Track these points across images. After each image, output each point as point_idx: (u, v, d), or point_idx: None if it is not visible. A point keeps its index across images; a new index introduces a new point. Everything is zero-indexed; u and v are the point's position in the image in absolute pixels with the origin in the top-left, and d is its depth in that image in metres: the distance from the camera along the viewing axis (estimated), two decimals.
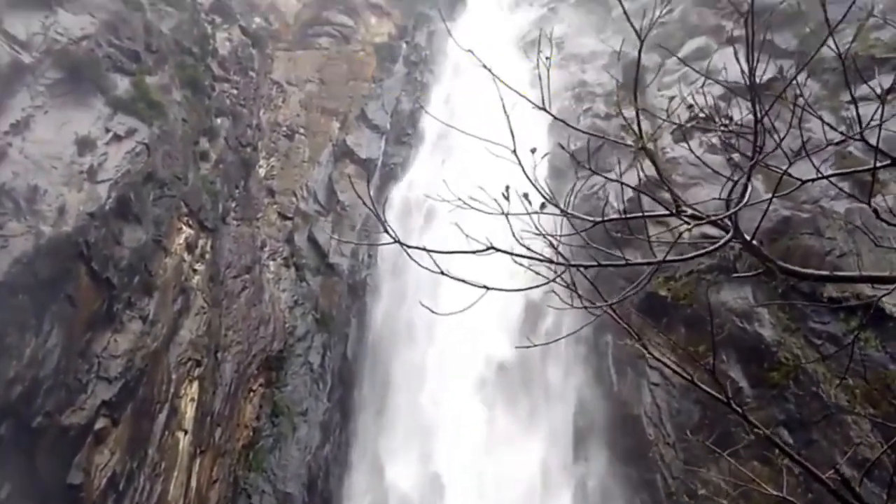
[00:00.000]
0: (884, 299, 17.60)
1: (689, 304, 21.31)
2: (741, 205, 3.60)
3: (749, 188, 3.69)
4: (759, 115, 3.44)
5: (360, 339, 29.45)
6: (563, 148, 4.46)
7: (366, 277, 30.81)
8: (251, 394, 27.43)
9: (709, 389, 5.10)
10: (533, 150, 3.93)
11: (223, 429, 25.29)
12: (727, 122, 3.92)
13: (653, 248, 4.51)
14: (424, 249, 3.96)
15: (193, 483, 23.35)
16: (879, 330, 17.63)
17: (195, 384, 24.52)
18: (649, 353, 5.55)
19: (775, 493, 5.39)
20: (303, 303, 30.89)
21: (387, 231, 3.88)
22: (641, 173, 4.70)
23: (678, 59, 25.74)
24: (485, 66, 4.40)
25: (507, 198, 3.77)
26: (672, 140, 25.75)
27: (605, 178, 5.08)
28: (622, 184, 4.28)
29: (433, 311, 5.06)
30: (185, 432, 23.55)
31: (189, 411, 23.98)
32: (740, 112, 3.70)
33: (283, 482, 25.80)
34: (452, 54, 38.28)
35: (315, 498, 25.91)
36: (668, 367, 5.51)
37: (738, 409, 5.06)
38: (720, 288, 21.48)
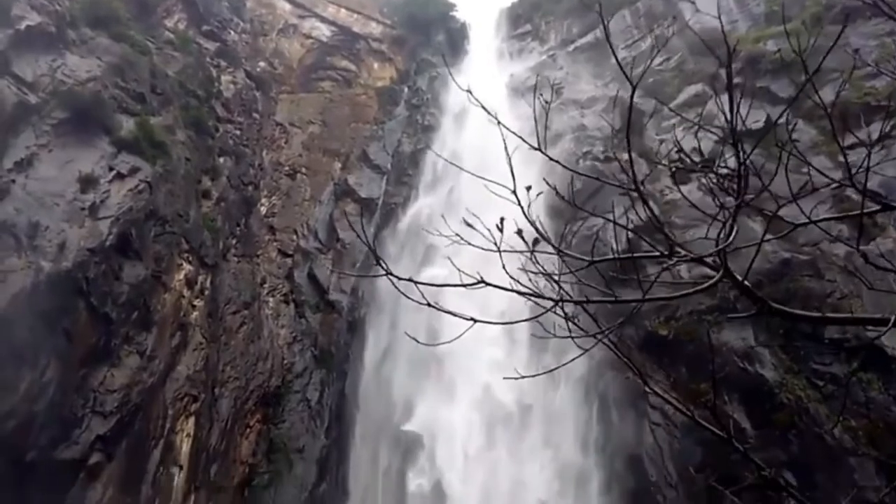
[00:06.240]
0: (885, 341, 17.54)
1: (690, 339, 21.29)
2: (726, 243, 3.67)
3: (735, 228, 3.76)
4: (741, 158, 3.54)
5: (358, 376, 29.31)
6: (556, 192, 4.54)
7: (365, 315, 30.79)
8: (248, 430, 27.17)
9: (710, 427, 5.05)
10: (528, 188, 4.00)
11: (219, 465, 24.98)
12: (711, 164, 4.02)
13: (643, 287, 4.55)
14: (413, 282, 3.99)
15: None
16: (882, 372, 17.58)
17: (191, 420, 24.28)
18: (649, 387, 5.53)
19: None
20: (301, 339, 30.83)
21: (378, 263, 3.93)
22: (637, 216, 4.77)
23: (670, 108, 26.20)
24: (482, 107, 4.51)
25: (500, 230, 3.83)
26: (671, 182, 26.02)
27: (604, 218, 5.15)
28: (616, 224, 4.34)
29: (417, 341, 5.11)
30: (181, 468, 23.23)
31: (184, 447, 23.70)
32: (737, 158, 3.78)
33: None
34: (453, 99, 38.95)
35: None
36: (668, 402, 5.49)
37: (739, 446, 5.02)
38: (721, 328, 21.45)
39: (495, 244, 3.78)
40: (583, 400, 24.52)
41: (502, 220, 3.80)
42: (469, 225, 3.82)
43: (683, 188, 27.16)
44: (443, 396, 26.59)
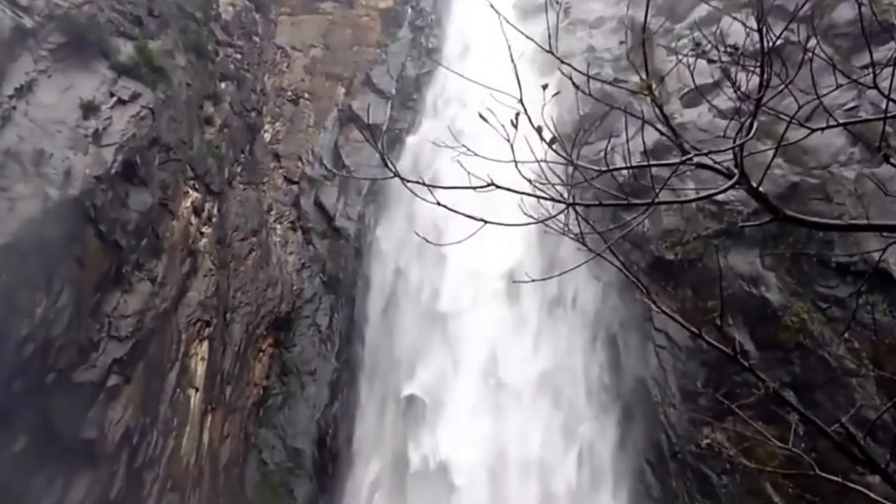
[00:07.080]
0: (891, 263, 17.48)
1: (697, 263, 21.34)
2: (746, 139, 3.57)
3: (755, 126, 3.65)
4: (765, 46, 3.39)
5: (366, 301, 29.59)
6: (573, 83, 4.38)
7: (371, 241, 30.88)
8: (260, 353, 27.92)
9: (716, 343, 5.10)
10: (544, 87, 3.88)
11: (233, 387, 25.82)
12: (735, 52, 3.87)
13: (655, 192, 4.48)
14: (423, 184, 3.95)
15: (205, 438, 23.96)
16: (886, 293, 17.62)
17: (205, 344, 24.90)
18: (655, 304, 5.53)
19: (782, 445, 5.43)
20: (310, 265, 31.14)
21: (387, 165, 3.87)
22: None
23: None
24: (491, 6, 4.36)
25: (515, 125, 3.73)
26: (681, 105, 25.54)
27: (620, 109, 5.00)
28: (627, 114, 4.22)
29: (427, 241, 5.12)
30: (196, 390, 24.02)
31: (199, 370, 24.41)
32: (761, 44, 3.58)
33: (292, 438, 26.48)
34: (458, 19, 37.85)
35: (324, 453, 26.49)
36: (674, 319, 5.50)
37: (744, 362, 5.08)
38: (728, 253, 21.47)
39: (507, 139, 3.69)
40: (591, 324, 24.68)
41: (517, 115, 3.70)
42: (483, 118, 3.73)
43: (693, 111, 26.55)
44: (447, 358, 26.37)
